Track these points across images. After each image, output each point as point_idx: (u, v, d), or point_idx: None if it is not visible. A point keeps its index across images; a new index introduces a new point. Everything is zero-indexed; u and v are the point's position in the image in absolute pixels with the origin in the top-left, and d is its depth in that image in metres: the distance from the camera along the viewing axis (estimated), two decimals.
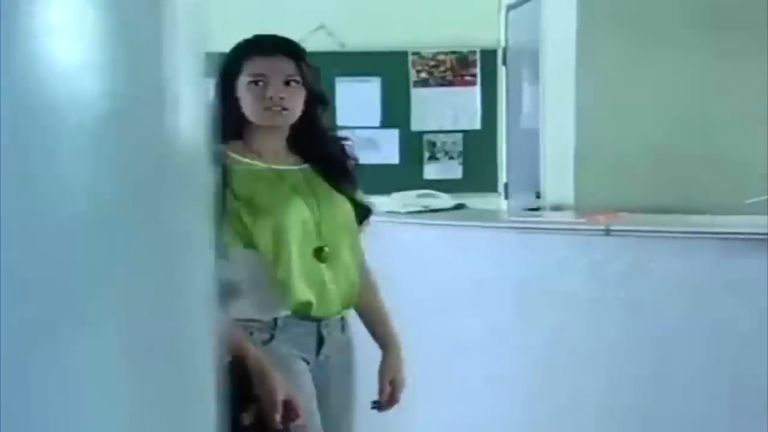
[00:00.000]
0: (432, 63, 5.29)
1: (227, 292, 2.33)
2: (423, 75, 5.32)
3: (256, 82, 2.42)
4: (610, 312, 2.94)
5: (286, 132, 2.49)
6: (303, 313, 2.40)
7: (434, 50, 5.28)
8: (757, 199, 3.17)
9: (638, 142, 3.68)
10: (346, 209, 2.49)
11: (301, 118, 2.46)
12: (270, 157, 2.46)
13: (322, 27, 4.94)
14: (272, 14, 4.87)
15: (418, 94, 5.34)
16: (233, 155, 2.43)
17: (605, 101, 3.68)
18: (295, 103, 2.43)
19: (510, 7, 4.94)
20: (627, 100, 3.71)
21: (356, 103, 5.09)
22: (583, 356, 3.00)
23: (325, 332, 2.42)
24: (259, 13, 4.86)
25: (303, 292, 2.40)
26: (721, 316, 2.80)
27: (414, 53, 5.30)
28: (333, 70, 4.84)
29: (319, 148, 2.51)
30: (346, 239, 2.48)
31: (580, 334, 2.99)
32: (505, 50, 5.14)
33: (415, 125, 5.35)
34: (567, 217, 3.41)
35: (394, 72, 5.25)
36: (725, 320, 2.79)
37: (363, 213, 2.55)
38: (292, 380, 2.33)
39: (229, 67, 2.45)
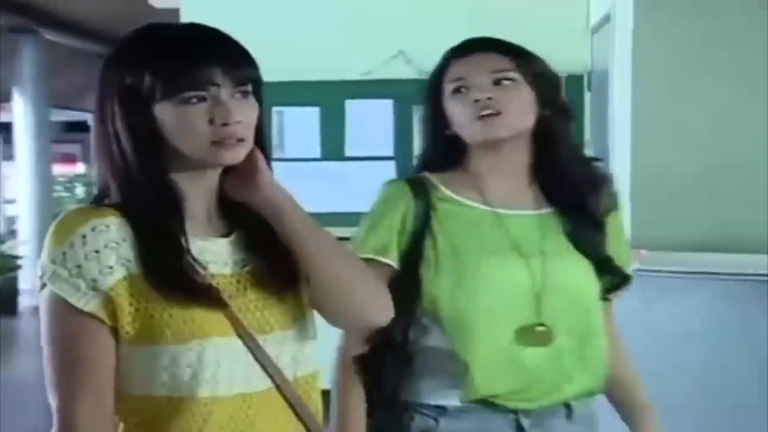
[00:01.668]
0: None
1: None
2: None
3: (458, 89, 1.91)
4: None
5: (520, 156, 1.93)
6: (488, 402, 1.88)
7: None
8: None
9: (696, 177, 3.48)
10: (585, 276, 1.91)
11: (540, 137, 1.92)
12: (498, 194, 1.93)
13: (400, 53, 4.84)
14: (352, 41, 4.80)
15: None
16: (443, 189, 1.95)
17: (662, 133, 3.49)
18: (514, 106, 1.88)
19: (594, 30, 4.77)
20: (685, 133, 3.51)
21: None
22: None
23: (526, 423, 1.89)
24: (338, 40, 4.80)
25: (488, 382, 1.87)
26: (718, 356, 2.67)
27: None
28: (412, 98, 4.73)
29: (563, 181, 1.93)
30: (581, 316, 1.90)
31: None
32: (590, 75, 4.96)
33: None
34: None
35: None
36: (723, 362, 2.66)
37: (616, 280, 1.96)
38: None
39: (431, 82, 1.97)
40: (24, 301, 11.89)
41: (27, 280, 12.22)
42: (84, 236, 1.43)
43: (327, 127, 4.69)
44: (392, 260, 1.91)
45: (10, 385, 8.02)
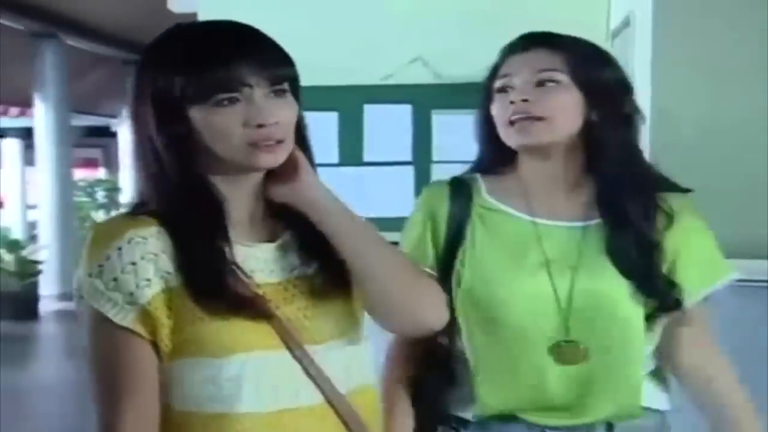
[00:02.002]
0: None
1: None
2: None
3: (502, 89, 1.82)
4: None
5: (569, 161, 1.81)
6: (512, 416, 1.80)
7: None
8: None
9: (717, 182, 3.43)
10: (620, 294, 1.76)
11: (593, 138, 1.79)
12: (543, 203, 1.82)
13: (418, 58, 4.82)
14: (370, 45, 4.77)
15: None
16: (486, 195, 1.85)
17: (682, 138, 3.45)
18: (553, 110, 1.76)
19: (614, 35, 4.73)
20: (705, 138, 3.47)
21: (454, 137, 4.92)
22: None
23: None
24: (356, 44, 4.77)
25: (496, 398, 1.79)
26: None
27: None
28: (430, 102, 4.71)
29: (609, 191, 1.79)
30: (613, 335, 1.77)
31: None
32: None
33: None
34: None
35: None
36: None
37: (663, 302, 1.79)
38: None
39: (486, 79, 1.88)
40: (45, 306, 11.94)
41: (48, 285, 12.26)
42: (120, 248, 1.37)
43: (345, 132, 4.65)
44: (426, 267, 1.82)
45: (31, 389, 8.05)
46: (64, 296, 12.55)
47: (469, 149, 5.07)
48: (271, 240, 1.50)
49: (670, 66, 3.50)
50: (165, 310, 1.38)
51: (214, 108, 1.41)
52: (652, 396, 1.90)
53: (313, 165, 1.53)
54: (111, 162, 17.77)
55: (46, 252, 12.52)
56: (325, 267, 1.49)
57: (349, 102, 4.64)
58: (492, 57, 1.93)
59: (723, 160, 3.48)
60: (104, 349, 1.39)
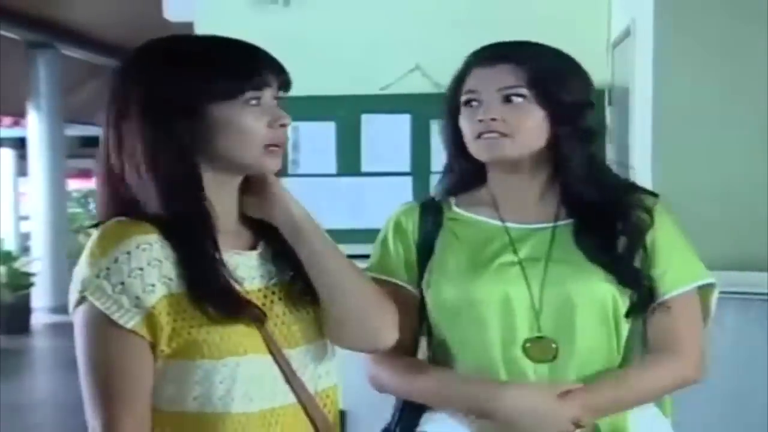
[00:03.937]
0: None
1: None
2: None
3: (469, 102, 1.85)
4: None
5: (538, 170, 1.85)
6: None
7: None
8: None
9: (718, 193, 3.41)
10: (596, 289, 1.78)
11: (558, 152, 1.83)
12: (513, 208, 1.86)
13: (417, 68, 4.78)
14: (367, 55, 4.73)
15: None
16: (455, 208, 1.90)
17: (683, 149, 3.42)
18: (518, 128, 1.80)
19: (615, 44, 4.70)
20: (707, 150, 3.44)
21: None
22: None
23: None
24: (354, 53, 4.73)
25: None
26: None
27: None
28: (429, 112, 4.66)
29: (577, 197, 1.84)
30: (588, 332, 1.77)
31: None
32: (611, 90, 4.89)
33: None
34: None
35: None
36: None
37: (638, 297, 1.80)
38: None
39: (451, 89, 1.92)
40: (37, 319, 11.87)
41: (40, 298, 12.19)
42: (129, 252, 1.41)
43: (343, 142, 4.61)
44: (396, 278, 1.87)
45: (23, 403, 7.99)
46: (57, 309, 12.49)
47: None
48: (251, 247, 1.55)
49: (671, 75, 3.47)
50: (166, 316, 1.42)
51: (243, 106, 1.44)
52: (654, 423, 1.88)
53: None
54: None
55: (38, 264, 12.45)
56: (299, 275, 1.55)
57: (346, 112, 4.60)
58: None
59: (725, 167, 3.45)
60: (105, 351, 1.42)
